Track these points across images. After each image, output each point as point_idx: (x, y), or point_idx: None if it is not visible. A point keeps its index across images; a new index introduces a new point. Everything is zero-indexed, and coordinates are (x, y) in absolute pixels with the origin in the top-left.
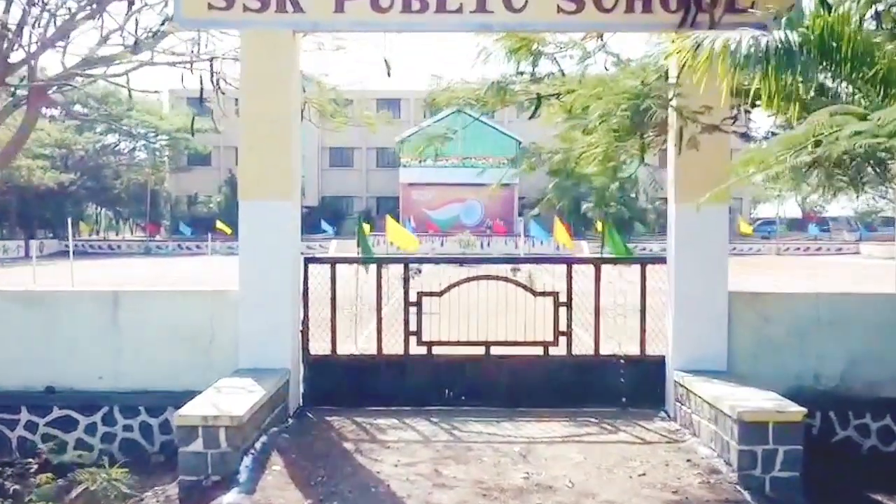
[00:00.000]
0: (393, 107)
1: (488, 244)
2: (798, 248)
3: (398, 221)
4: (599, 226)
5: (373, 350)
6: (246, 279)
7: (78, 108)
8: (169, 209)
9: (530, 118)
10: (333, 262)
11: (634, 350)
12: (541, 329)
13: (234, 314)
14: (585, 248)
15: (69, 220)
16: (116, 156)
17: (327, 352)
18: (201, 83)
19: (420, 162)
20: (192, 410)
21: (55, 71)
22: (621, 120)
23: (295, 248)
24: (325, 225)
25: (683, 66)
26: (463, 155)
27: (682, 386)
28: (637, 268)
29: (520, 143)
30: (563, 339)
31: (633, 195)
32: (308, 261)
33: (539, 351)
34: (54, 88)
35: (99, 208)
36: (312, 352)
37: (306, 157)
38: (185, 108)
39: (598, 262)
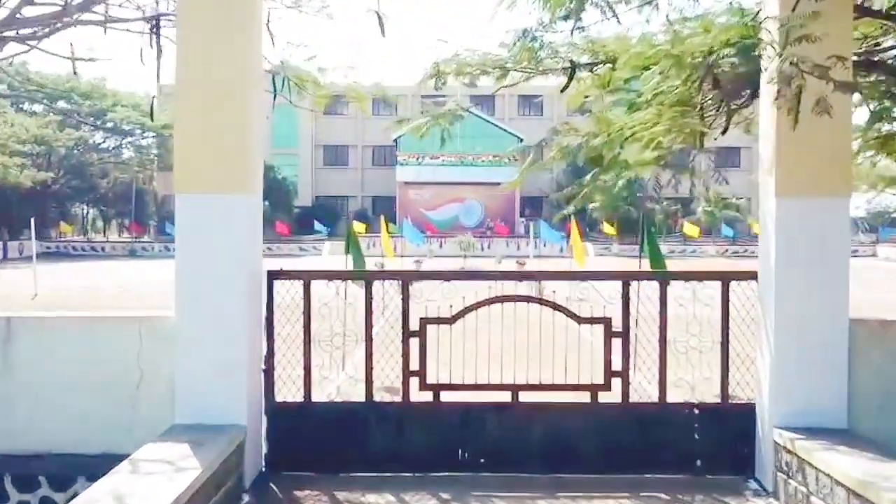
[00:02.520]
0: (389, 103)
1: (489, 246)
2: None
3: (394, 223)
4: (606, 226)
5: (360, 395)
6: (186, 301)
7: (62, 103)
8: (156, 209)
9: (562, 91)
10: (307, 277)
11: (713, 396)
12: (587, 368)
13: (171, 349)
14: (591, 252)
15: (32, 221)
16: (100, 153)
17: (299, 398)
18: (157, 50)
19: (418, 160)
20: None
21: None
22: (684, 91)
23: (254, 259)
24: (318, 225)
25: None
26: (462, 153)
27: (789, 452)
28: (709, 286)
29: (521, 140)
30: (617, 382)
31: (639, 194)
32: (273, 276)
33: (585, 397)
34: None
35: (86, 208)
36: (279, 398)
37: (300, 156)
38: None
39: (664, 279)
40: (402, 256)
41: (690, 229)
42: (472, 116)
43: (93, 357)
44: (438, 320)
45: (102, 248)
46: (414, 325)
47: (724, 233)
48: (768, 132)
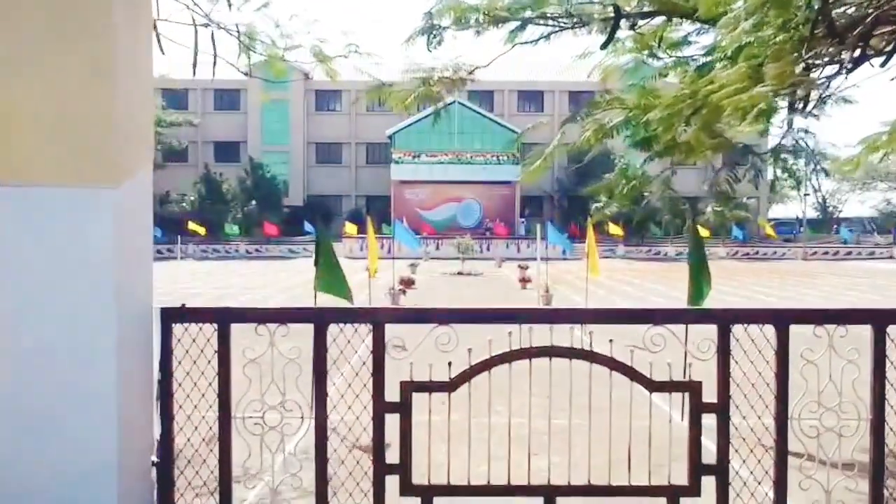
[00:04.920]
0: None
1: (488, 248)
2: (826, 252)
3: (389, 224)
4: (612, 227)
5: (308, 501)
6: (10, 360)
7: None
8: None
9: (602, 47)
10: (224, 319)
11: None
12: (660, 460)
13: None
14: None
15: None
16: None
17: None
18: None
19: (414, 157)
20: None
21: None
22: (785, 41)
23: (133, 289)
24: (309, 227)
25: None
26: (459, 150)
27: None
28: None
29: (520, 139)
30: (709, 482)
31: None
32: (171, 317)
33: None
34: None
35: None
36: None
37: (291, 153)
38: (161, 100)
39: (782, 321)
40: (395, 258)
41: (699, 230)
42: (470, 112)
43: None
44: (431, 386)
45: None
46: (392, 392)
47: (733, 234)
48: None
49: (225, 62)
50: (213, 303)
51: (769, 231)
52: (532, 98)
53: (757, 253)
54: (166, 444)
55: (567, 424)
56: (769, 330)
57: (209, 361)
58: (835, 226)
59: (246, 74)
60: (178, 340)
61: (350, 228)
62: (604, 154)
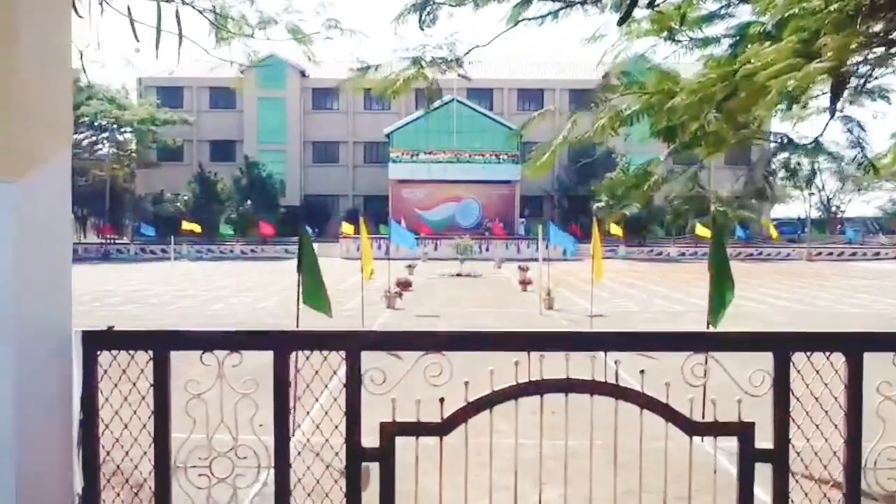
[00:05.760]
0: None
1: (487, 248)
2: (831, 253)
3: (387, 224)
4: (613, 227)
5: None
6: None
7: None
8: (131, 208)
9: (619, 24)
10: (162, 345)
11: None
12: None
13: None
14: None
15: None
16: (74, 149)
17: None
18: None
19: (412, 156)
20: None
21: None
22: (841, 11)
23: (53, 302)
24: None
25: None
26: (458, 149)
27: None
28: None
29: (521, 135)
30: None
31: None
32: (94, 343)
33: None
34: None
35: None
36: None
37: (287, 152)
38: (155, 97)
39: (855, 349)
40: (391, 259)
41: (702, 230)
42: (469, 111)
43: None
44: (418, 428)
45: (75, 251)
46: (370, 436)
47: (737, 234)
48: None
49: (196, 45)
50: (203, 305)
51: (772, 231)
52: (532, 96)
53: (760, 253)
54: (91, 500)
55: (587, 475)
56: (837, 358)
57: (143, 397)
58: (839, 226)
59: (219, 59)
60: (105, 371)
61: (347, 228)
62: (605, 153)
